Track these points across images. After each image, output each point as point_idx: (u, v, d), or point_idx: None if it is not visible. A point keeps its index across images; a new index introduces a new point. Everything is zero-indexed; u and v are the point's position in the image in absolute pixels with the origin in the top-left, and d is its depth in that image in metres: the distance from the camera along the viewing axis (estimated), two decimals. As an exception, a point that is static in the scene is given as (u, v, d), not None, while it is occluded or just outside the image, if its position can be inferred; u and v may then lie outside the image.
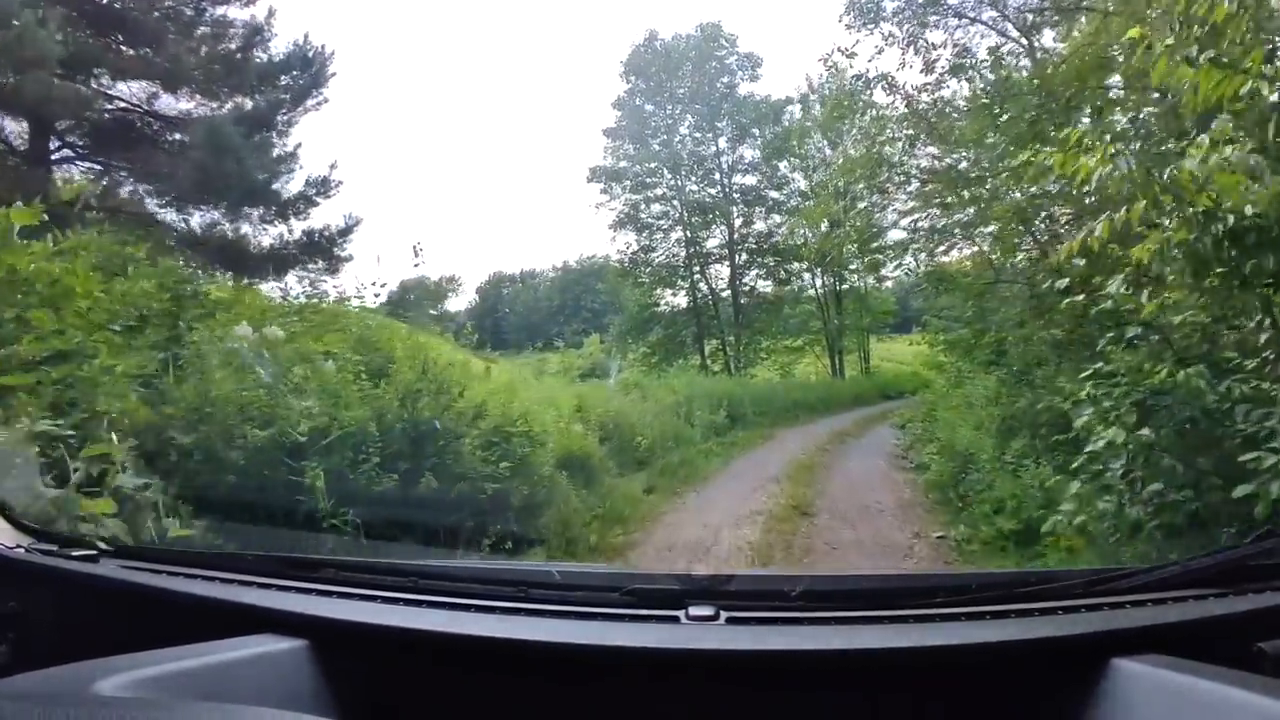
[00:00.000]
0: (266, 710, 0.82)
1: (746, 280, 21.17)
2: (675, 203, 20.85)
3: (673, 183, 20.84)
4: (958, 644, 0.93)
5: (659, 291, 21.13)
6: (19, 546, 1.25)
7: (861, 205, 15.39)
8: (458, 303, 28.72)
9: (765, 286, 21.20)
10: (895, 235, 17.75)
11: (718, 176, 20.99)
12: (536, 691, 0.97)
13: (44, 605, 1.19)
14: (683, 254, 20.91)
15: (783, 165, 20.91)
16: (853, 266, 20.02)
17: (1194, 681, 0.80)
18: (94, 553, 1.26)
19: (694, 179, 21.00)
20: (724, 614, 1.00)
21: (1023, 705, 0.91)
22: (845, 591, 1.20)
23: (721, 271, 21.13)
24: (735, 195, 20.99)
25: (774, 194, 20.86)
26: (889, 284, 20.82)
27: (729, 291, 20.86)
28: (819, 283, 21.47)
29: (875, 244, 19.11)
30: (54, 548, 1.26)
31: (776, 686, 0.93)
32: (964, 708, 0.92)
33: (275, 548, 1.61)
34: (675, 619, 1.01)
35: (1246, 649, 0.89)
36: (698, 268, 20.97)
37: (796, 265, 20.90)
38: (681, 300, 21.18)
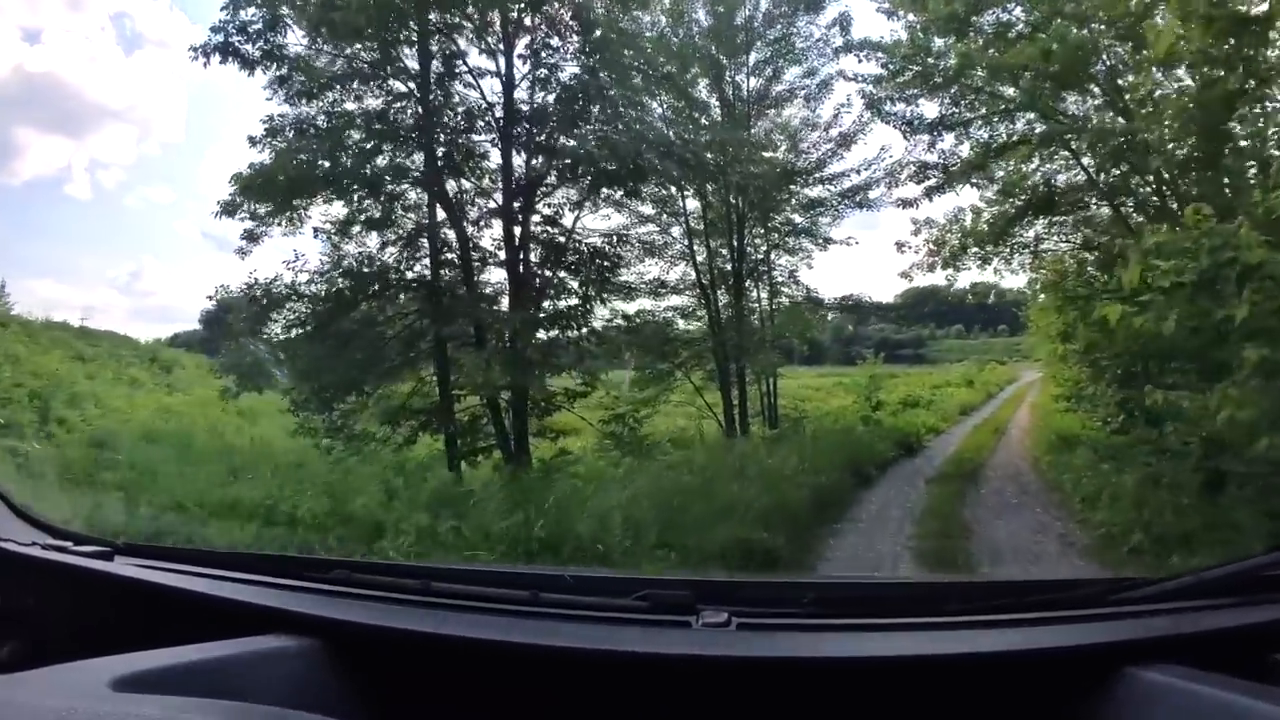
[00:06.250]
0: (277, 709, 0.81)
1: (535, 220, 8.25)
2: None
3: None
4: (970, 652, 0.94)
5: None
6: (34, 543, 1.28)
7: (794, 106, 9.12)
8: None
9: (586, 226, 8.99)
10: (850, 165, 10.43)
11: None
12: (547, 696, 0.97)
13: (58, 602, 1.22)
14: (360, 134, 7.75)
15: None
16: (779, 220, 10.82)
17: (1209, 692, 0.80)
18: (108, 550, 1.28)
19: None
20: (735, 620, 1.01)
21: (1036, 714, 0.90)
22: (857, 598, 1.20)
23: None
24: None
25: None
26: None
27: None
28: (701, 249, 10.45)
29: (819, 173, 10.73)
30: (68, 544, 1.28)
31: (787, 693, 0.93)
32: (976, 716, 0.91)
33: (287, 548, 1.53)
34: (687, 624, 1.01)
35: (1262, 660, 0.89)
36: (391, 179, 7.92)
37: (658, 189, 9.69)
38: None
